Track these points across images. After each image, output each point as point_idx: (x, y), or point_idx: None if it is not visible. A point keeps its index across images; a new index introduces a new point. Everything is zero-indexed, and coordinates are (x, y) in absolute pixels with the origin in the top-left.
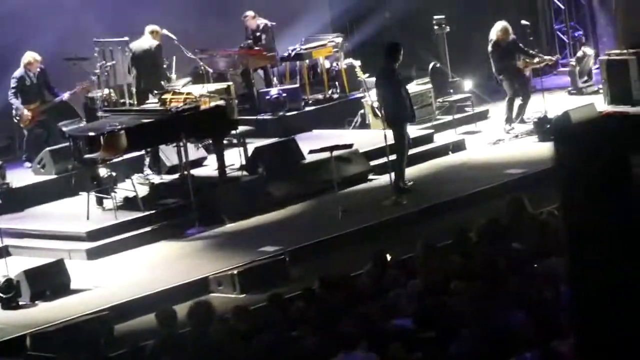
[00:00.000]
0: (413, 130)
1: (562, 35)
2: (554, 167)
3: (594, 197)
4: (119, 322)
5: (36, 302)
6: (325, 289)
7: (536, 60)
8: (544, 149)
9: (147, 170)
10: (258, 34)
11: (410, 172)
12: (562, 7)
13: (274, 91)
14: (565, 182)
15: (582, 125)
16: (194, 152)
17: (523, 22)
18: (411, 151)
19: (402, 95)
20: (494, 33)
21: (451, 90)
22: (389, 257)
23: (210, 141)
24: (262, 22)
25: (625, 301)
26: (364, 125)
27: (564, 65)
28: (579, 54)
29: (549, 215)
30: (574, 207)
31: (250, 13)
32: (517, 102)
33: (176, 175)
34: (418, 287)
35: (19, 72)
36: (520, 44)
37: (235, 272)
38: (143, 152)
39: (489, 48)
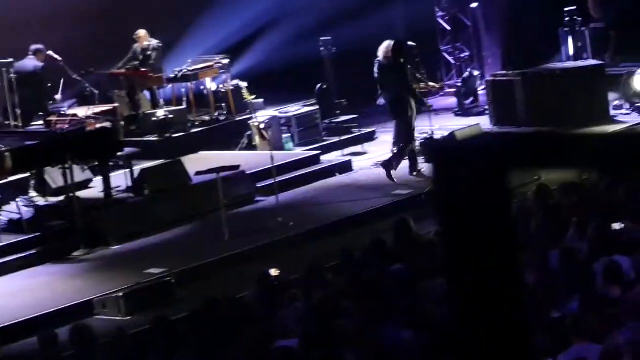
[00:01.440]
0: (299, 152)
1: (448, 57)
2: (433, 187)
3: (473, 217)
4: (3, 345)
5: None
6: (211, 311)
7: (422, 85)
8: (430, 170)
9: (32, 193)
10: (148, 53)
11: (297, 193)
12: (448, 28)
13: (160, 112)
14: (444, 202)
15: (459, 145)
16: (80, 174)
17: (410, 43)
18: (298, 172)
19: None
20: (380, 52)
21: (338, 112)
22: (275, 278)
23: (96, 163)
24: (152, 42)
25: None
26: (250, 146)
27: (450, 87)
28: (465, 75)
29: (435, 235)
30: (452, 227)
31: (142, 32)
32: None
33: (62, 198)
34: (305, 308)
35: None
36: (408, 67)
37: (120, 294)
38: (28, 174)
39: (375, 69)
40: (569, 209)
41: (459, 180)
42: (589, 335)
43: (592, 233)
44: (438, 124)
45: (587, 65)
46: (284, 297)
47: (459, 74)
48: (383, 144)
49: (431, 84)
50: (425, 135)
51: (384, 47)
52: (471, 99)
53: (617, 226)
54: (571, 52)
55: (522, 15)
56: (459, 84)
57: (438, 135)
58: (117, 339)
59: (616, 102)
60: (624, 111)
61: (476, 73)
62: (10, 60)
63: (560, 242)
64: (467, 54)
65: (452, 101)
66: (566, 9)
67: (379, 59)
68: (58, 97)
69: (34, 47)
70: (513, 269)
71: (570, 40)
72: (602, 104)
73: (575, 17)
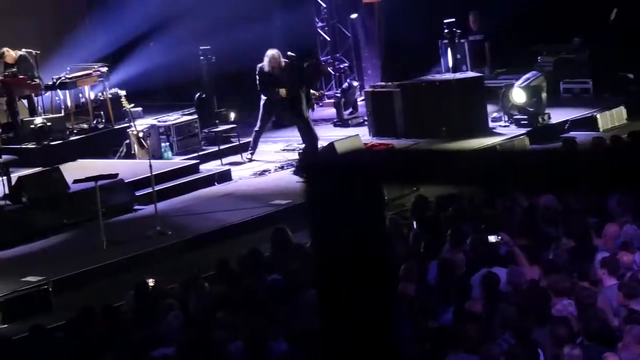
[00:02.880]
0: (178, 161)
1: (327, 67)
2: (306, 200)
3: (345, 229)
4: None
5: None
6: (87, 319)
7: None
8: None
9: None
10: (18, 66)
11: (175, 202)
12: (328, 39)
13: (38, 120)
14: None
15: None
16: None
17: (289, 53)
18: (176, 181)
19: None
20: (266, 61)
21: (217, 121)
22: (151, 287)
23: None
24: (19, 53)
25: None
26: (129, 155)
27: (330, 97)
28: (345, 85)
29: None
30: (323, 238)
31: (4, 50)
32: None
33: None
34: (181, 317)
35: None
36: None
37: None
38: None
39: (257, 76)
40: (446, 221)
41: (332, 193)
42: (464, 346)
43: (469, 245)
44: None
45: (465, 77)
46: (161, 306)
47: (338, 84)
48: (262, 154)
49: (311, 90)
50: (304, 146)
51: (269, 55)
52: (350, 109)
53: (493, 238)
54: (450, 63)
55: (402, 26)
56: (339, 95)
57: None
58: None
59: (495, 114)
60: (502, 123)
61: (355, 84)
62: None
63: (438, 254)
64: (346, 64)
65: (332, 112)
66: (445, 21)
67: (262, 65)
68: None
69: None
70: (385, 280)
71: (449, 51)
72: (480, 115)
73: (454, 29)
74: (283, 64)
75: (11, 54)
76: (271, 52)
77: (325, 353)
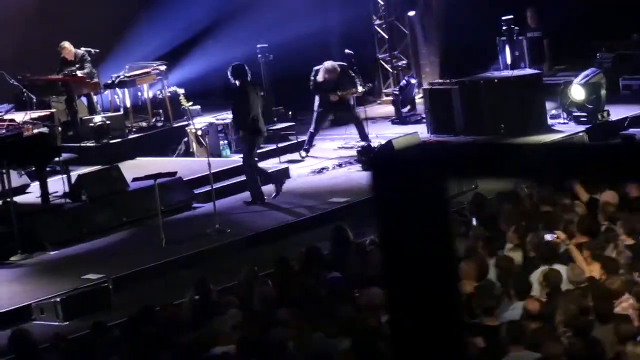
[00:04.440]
0: (236, 159)
1: (385, 65)
2: (372, 196)
3: (411, 226)
4: None
5: None
6: (146, 317)
7: (352, 90)
8: (367, 178)
9: None
10: (77, 65)
11: (234, 200)
12: (386, 36)
13: (97, 118)
14: (382, 211)
15: (398, 153)
16: (17, 179)
17: (347, 51)
18: (235, 179)
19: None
20: (322, 71)
21: (275, 119)
22: (211, 285)
23: (33, 168)
24: (79, 51)
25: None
26: (188, 153)
27: (388, 95)
28: (402, 83)
29: (372, 244)
30: (391, 236)
31: (65, 44)
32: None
33: None
34: (240, 315)
35: None
36: (349, 71)
37: (58, 299)
38: None
39: (312, 77)
40: (505, 218)
41: (398, 189)
42: (525, 344)
43: (529, 243)
44: (375, 132)
45: (524, 74)
46: (221, 304)
47: (396, 82)
48: (320, 151)
49: (353, 89)
50: (362, 143)
51: (327, 65)
52: (408, 107)
53: (549, 237)
54: (508, 60)
55: (460, 23)
56: (397, 92)
57: (375, 143)
58: (56, 343)
59: (553, 112)
60: (561, 120)
61: (413, 81)
62: None
63: (497, 251)
64: (404, 62)
65: (390, 109)
66: (503, 18)
67: (318, 69)
68: None
69: None
70: (450, 277)
71: (507, 49)
72: (539, 113)
73: (512, 26)
74: (338, 69)
75: (70, 49)
76: (329, 64)
77: (394, 350)
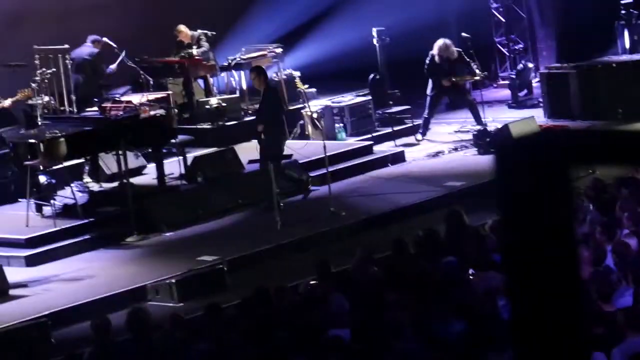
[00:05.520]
0: (352, 142)
1: (502, 48)
2: (494, 181)
3: (534, 212)
4: (57, 329)
5: None
6: (261, 299)
7: (467, 77)
8: (483, 162)
9: (87, 178)
10: (194, 47)
11: (349, 183)
12: (503, 20)
13: (213, 101)
14: (505, 196)
15: (522, 139)
16: (134, 160)
17: (463, 34)
18: (350, 162)
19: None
20: (435, 51)
21: (391, 102)
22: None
23: (150, 150)
24: (195, 34)
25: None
26: (303, 135)
27: (504, 79)
28: (519, 67)
29: (487, 228)
30: (513, 221)
31: (181, 27)
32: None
33: (115, 184)
34: (355, 298)
35: None
36: (465, 56)
37: (173, 280)
38: (83, 159)
39: (427, 62)
40: (621, 204)
41: (521, 174)
42: None
43: None
44: (491, 116)
45: None
46: (336, 286)
47: (513, 65)
48: (436, 135)
49: (469, 75)
50: (478, 127)
51: (439, 44)
52: (525, 91)
53: None
54: (627, 45)
55: (578, 7)
56: (513, 76)
57: (491, 127)
58: (172, 324)
59: None
60: None
61: (530, 65)
62: (66, 47)
63: (614, 237)
64: (521, 45)
65: (506, 93)
66: (622, 2)
67: (433, 54)
68: (113, 67)
69: (91, 37)
70: (572, 263)
71: (626, 33)
72: None
73: (631, 10)
74: (456, 53)
75: (187, 32)
76: (441, 42)
77: (514, 335)
